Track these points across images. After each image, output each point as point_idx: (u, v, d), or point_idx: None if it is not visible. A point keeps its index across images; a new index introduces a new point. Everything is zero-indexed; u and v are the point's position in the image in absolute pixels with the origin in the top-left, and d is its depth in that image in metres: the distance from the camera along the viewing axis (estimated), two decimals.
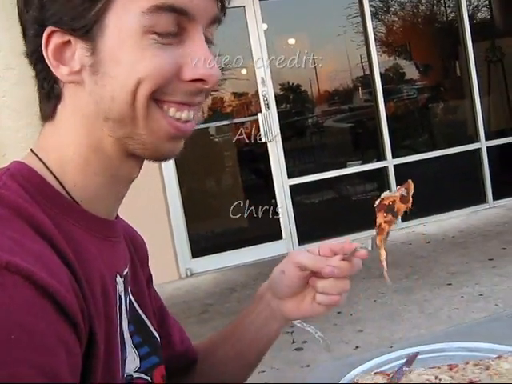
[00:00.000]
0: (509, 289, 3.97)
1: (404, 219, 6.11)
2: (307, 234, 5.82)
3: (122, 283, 0.85)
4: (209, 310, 4.49)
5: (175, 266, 5.57)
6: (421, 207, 6.19)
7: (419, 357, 1.25)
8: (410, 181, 0.94)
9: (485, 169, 6.53)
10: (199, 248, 5.81)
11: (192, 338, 1.15)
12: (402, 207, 0.93)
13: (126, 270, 0.89)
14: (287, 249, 5.78)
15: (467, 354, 1.16)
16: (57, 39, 0.75)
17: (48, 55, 0.76)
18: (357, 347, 3.49)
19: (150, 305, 1.00)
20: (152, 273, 1.08)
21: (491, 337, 1.20)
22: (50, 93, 0.80)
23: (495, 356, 1.12)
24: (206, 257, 5.75)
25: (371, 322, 3.81)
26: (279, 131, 5.84)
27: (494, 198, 6.52)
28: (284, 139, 5.94)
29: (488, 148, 6.56)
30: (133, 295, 0.92)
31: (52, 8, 0.74)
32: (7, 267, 0.60)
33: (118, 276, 0.84)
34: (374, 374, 1.19)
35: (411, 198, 0.92)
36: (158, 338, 0.97)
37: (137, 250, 1.01)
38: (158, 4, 0.72)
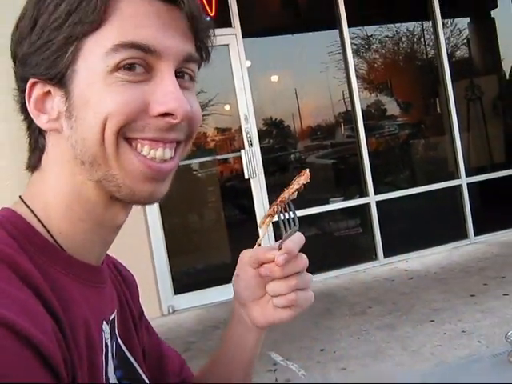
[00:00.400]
0: (491, 325, 3.98)
1: (386, 255, 6.14)
2: None
3: (108, 330, 0.85)
4: (191, 348, 4.45)
5: (157, 303, 5.52)
6: (403, 243, 6.23)
7: None
8: (307, 170, 0.94)
9: (466, 205, 6.60)
10: (182, 284, 5.77)
11: None
12: (284, 193, 0.94)
13: (113, 315, 0.90)
14: None
15: None
16: (38, 91, 0.79)
17: (30, 106, 0.79)
18: None
19: (140, 345, 1.00)
20: None
21: (473, 379, 1.20)
22: (35, 144, 0.83)
23: None
24: (188, 293, 5.71)
25: (354, 360, 3.79)
26: (262, 168, 5.87)
27: (476, 234, 6.58)
28: (267, 175, 5.97)
29: (468, 184, 6.64)
30: (121, 339, 0.92)
31: (32, 61, 0.77)
32: None
33: (104, 323, 0.84)
34: None
35: (293, 185, 0.92)
36: (148, 381, 0.97)
37: (128, 287, 1.03)
38: (120, 43, 0.74)
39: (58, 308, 0.70)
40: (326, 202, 6.30)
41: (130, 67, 0.75)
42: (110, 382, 0.84)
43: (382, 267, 6.03)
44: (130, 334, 0.96)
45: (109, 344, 0.85)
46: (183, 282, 5.84)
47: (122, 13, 0.75)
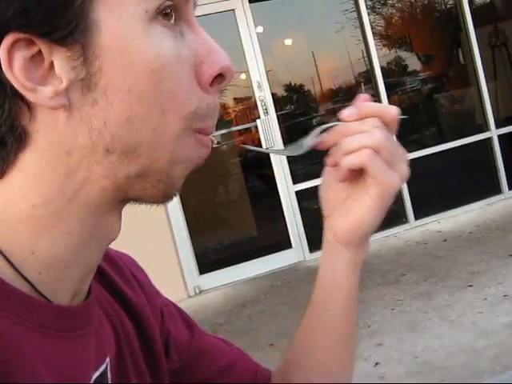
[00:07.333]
0: None
1: (417, 217, 5.88)
2: (317, 240, 5.57)
3: None
4: (218, 330, 4.26)
5: (183, 285, 5.34)
6: (434, 203, 5.97)
7: None
8: None
9: (497, 158, 6.26)
10: (206, 263, 5.58)
11: None
12: None
13: (104, 367, 0.63)
14: (298, 258, 5.55)
15: None
16: (23, 52, 0.51)
17: (16, 75, 0.51)
18: (377, 363, 3.25)
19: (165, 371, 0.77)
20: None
21: None
22: (4, 138, 0.54)
23: None
24: (214, 272, 5.51)
25: (390, 334, 3.56)
26: (280, 136, 5.61)
27: (510, 188, 6.26)
28: (286, 143, 5.72)
29: (499, 136, 6.29)
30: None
31: (12, 6, 0.50)
32: None
33: None
34: None
35: None
36: None
37: (144, 290, 0.80)
38: None
39: None
40: None
41: (166, 14, 0.55)
42: None
43: (414, 230, 5.76)
44: (140, 373, 0.72)
45: None
46: (208, 261, 5.65)
47: None
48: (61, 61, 0.52)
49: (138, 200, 0.60)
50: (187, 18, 0.58)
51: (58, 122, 0.54)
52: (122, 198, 0.59)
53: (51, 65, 0.52)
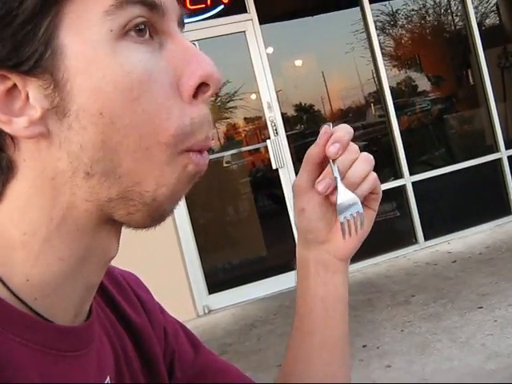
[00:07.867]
0: None
1: (427, 238, 5.87)
2: None
3: None
4: (227, 351, 4.25)
5: (192, 304, 5.34)
6: (444, 224, 5.95)
7: None
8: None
9: (507, 179, 6.25)
10: (216, 282, 5.58)
11: None
12: None
13: None
14: None
15: None
16: None
17: None
18: None
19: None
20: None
21: None
22: None
23: None
24: (223, 292, 5.51)
25: (400, 356, 3.55)
26: (290, 157, 5.63)
27: None
28: (296, 164, 5.73)
29: (509, 157, 6.29)
30: None
31: None
32: None
33: None
34: None
35: None
36: None
37: (146, 309, 0.80)
38: None
39: None
40: None
41: (139, 30, 0.54)
42: None
43: (424, 251, 5.75)
44: None
45: None
46: (217, 280, 5.65)
47: None
48: (34, 90, 0.53)
49: (126, 225, 0.60)
50: (166, 30, 0.57)
51: (41, 150, 0.54)
52: (108, 219, 0.58)
53: (27, 96, 0.53)
